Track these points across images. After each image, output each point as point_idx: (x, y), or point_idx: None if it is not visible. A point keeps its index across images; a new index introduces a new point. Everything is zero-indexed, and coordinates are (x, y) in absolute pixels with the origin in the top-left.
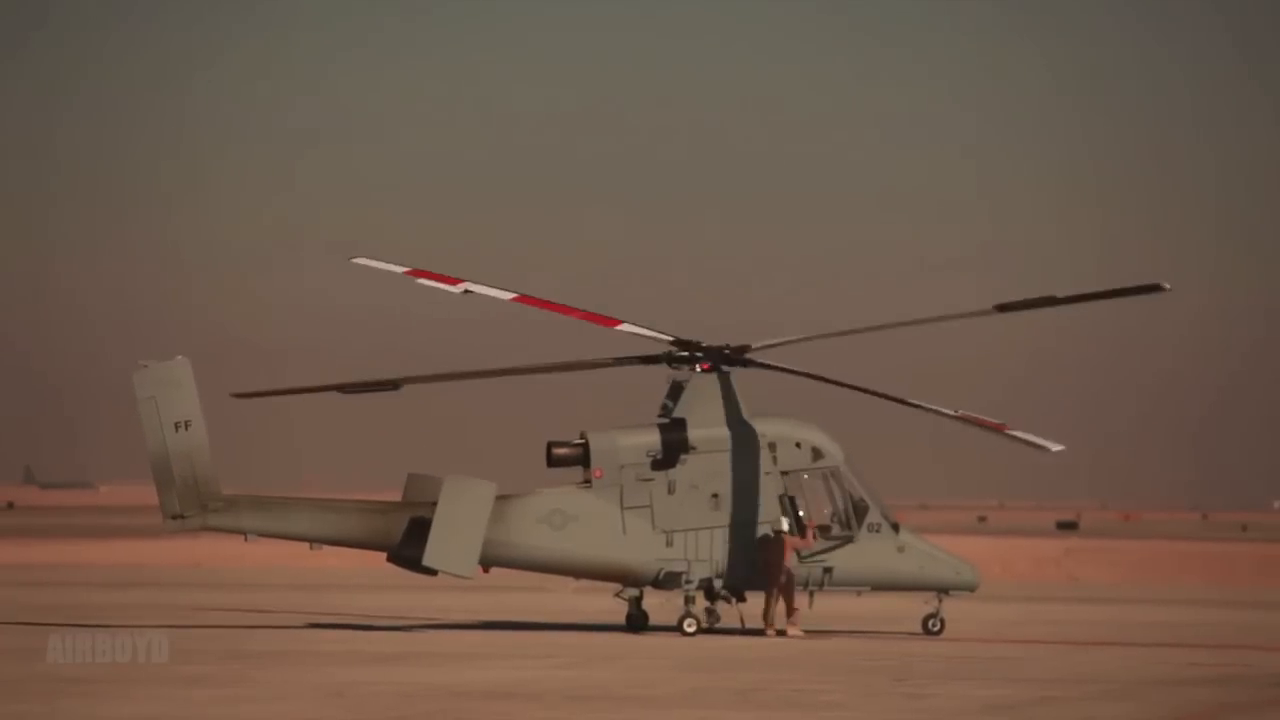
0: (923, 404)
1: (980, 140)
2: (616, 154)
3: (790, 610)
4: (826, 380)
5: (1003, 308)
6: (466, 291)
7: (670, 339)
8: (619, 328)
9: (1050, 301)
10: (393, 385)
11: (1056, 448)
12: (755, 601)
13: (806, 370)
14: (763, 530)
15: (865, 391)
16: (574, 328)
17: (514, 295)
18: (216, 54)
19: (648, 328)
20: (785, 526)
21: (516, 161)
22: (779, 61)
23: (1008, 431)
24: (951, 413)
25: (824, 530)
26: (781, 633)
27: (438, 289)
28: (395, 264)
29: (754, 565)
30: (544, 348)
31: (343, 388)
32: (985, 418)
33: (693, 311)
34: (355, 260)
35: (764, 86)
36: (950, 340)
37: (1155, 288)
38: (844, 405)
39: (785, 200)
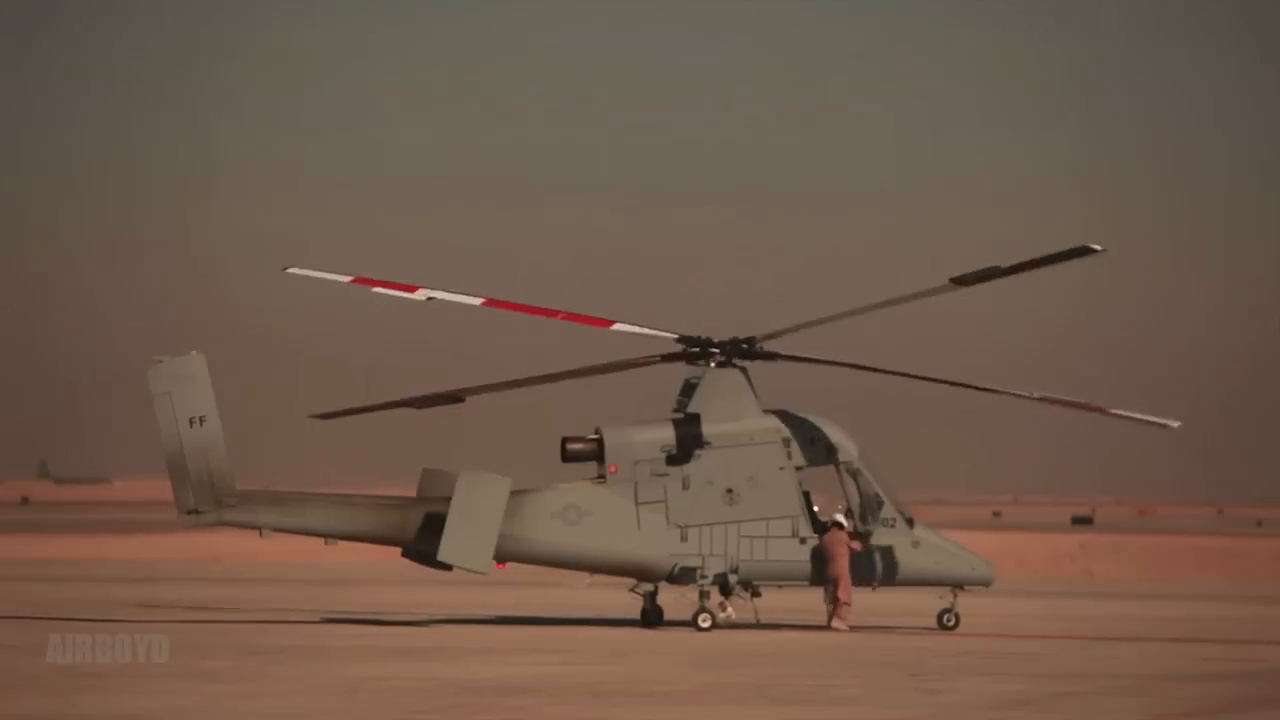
0: (996, 387)
1: (994, 136)
2: (614, 148)
3: (839, 605)
4: (849, 365)
5: (957, 281)
6: (430, 299)
7: (675, 336)
8: (615, 327)
9: (995, 272)
10: (457, 399)
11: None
12: (770, 596)
13: (825, 358)
14: (792, 524)
15: (905, 375)
16: (566, 328)
17: (483, 300)
18: (230, 49)
19: (645, 326)
20: (842, 520)
21: (519, 158)
22: (787, 56)
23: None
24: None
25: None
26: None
27: (398, 297)
28: (337, 274)
29: (765, 560)
30: (542, 349)
31: (413, 403)
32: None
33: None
34: (289, 270)
35: (769, 82)
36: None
37: (1086, 250)
38: (857, 400)
39: (789, 195)
